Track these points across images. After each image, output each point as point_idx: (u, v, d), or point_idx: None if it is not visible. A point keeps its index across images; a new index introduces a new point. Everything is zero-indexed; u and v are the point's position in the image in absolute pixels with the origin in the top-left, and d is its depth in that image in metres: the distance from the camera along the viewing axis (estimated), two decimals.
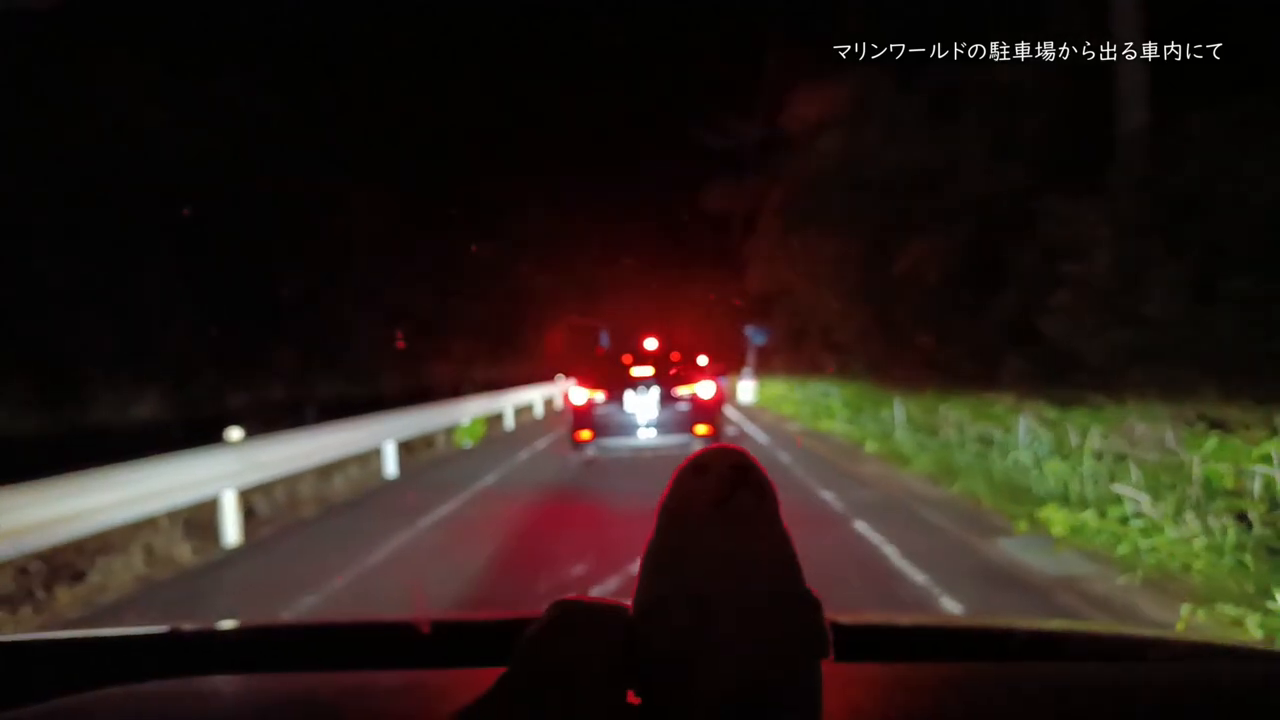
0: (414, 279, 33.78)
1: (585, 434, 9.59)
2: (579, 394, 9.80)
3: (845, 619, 0.98)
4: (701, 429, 9.50)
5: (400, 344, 33.88)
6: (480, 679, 0.64)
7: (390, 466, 10.77)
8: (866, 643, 0.99)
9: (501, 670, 0.60)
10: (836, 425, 13.18)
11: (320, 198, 27.25)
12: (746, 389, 23.58)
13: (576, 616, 0.59)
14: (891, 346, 11.99)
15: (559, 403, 26.10)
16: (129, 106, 17.29)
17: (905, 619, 1.26)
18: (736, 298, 37.78)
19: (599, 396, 9.64)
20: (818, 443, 12.10)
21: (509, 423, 18.27)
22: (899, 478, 8.58)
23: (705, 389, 9.71)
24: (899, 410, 10.12)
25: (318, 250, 26.91)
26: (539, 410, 22.25)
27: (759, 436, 13.54)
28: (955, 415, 8.81)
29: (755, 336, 34.89)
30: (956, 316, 10.27)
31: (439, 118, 35.72)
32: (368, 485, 9.86)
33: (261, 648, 1.24)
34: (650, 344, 11.90)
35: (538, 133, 40.32)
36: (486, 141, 40.42)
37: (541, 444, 13.57)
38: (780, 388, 20.62)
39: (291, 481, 9.05)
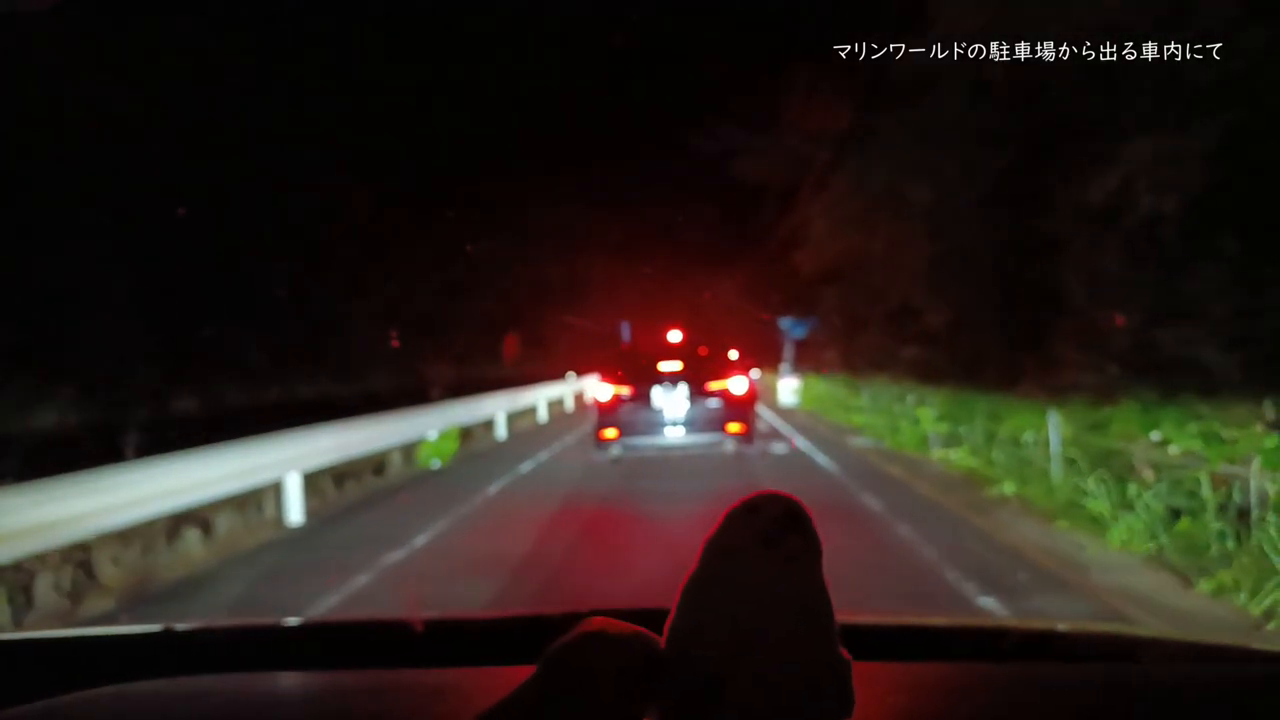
0: (413, 272, 30.64)
1: (610, 432, 9.12)
2: (603, 390, 9.33)
3: (840, 617, 0.76)
4: (734, 427, 9.04)
5: (395, 343, 30.72)
6: (474, 678, 0.72)
7: (294, 510, 7.43)
8: (860, 642, 0.82)
9: (497, 669, 0.67)
10: (936, 448, 9.63)
11: (304, 178, 24.11)
12: (788, 389, 19.98)
13: (606, 635, 0.59)
14: (1025, 331, 8.38)
15: (569, 404, 22.78)
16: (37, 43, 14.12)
17: (900, 619, 1.22)
18: (770, 286, 34.25)
19: (625, 393, 9.14)
20: (913, 474, 8.55)
21: (500, 432, 14.91)
22: (1099, 561, 5.02)
23: (738, 385, 9.21)
24: (1054, 431, 6.57)
25: (300, 236, 23.79)
26: (543, 414, 18.89)
27: (818, 457, 10.02)
28: (1178, 444, 5.25)
29: (794, 329, 31.13)
30: (1191, 275, 6.61)
31: (442, 104, 32.50)
32: (239, 548, 6.51)
33: (255, 647, 1.22)
34: (674, 336, 11.03)
35: (546, 121, 36.90)
36: (493, 132, 37.16)
37: (527, 467, 10.17)
38: (831, 388, 17.02)
39: (131, 540, 5.81)
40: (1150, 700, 0.89)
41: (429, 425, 11.10)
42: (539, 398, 18.89)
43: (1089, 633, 1.29)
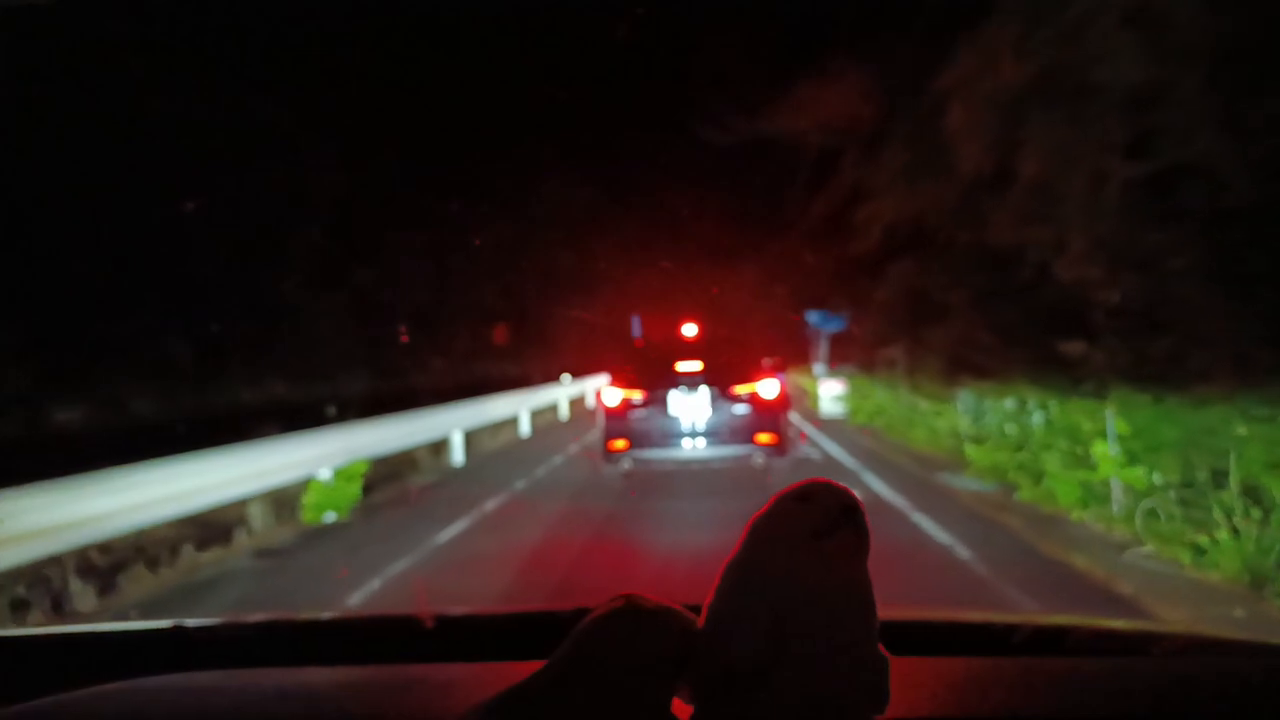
0: (398, 259, 27.07)
1: (620, 443, 7.99)
2: (612, 394, 8.18)
3: None
4: (764, 437, 7.85)
5: (404, 337, 27.54)
6: (483, 674, 0.70)
7: None
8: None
9: (507, 665, 0.64)
10: (1119, 506, 5.78)
11: (261, 143, 20.52)
12: (829, 395, 16.13)
13: (641, 612, 0.58)
14: None
15: (564, 411, 19.07)
16: None
17: (909, 613, 1.19)
18: (796, 275, 30.56)
19: (636, 397, 8.06)
20: (1125, 577, 4.70)
21: (457, 456, 11.19)
22: None
23: (768, 387, 8.01)
24: None
25: (250, 208, 20.16)
26: (525, 427, 15.17)
27: (918, 518, 6.19)
28: None
29: (825, 323, 27.23)
30: None
31: (435, 78, 28.83)
32: None
33: (266, 643, 1.22)
34: (690, 330, 9.81)
35: (546, 95, 33.16)
36: (489, 107, 33.55)
37: (457, 528, 6.45)
38: (891, 395, 13.13)
39: None
40: (1162, 694, 0.89)
41: (322, 457, 7.39)
42: (521, 405, 15.17)
43: (1096, 628, 1.22)
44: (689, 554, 5.32)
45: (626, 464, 8.11)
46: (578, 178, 33.05)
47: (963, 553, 5.15)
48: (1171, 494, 5.48)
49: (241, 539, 6.52)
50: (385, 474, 9.66)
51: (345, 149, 24.17)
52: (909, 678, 0.85)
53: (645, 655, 0.55)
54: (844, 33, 15.03)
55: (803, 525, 0.58)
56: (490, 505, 7.48)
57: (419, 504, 8.07)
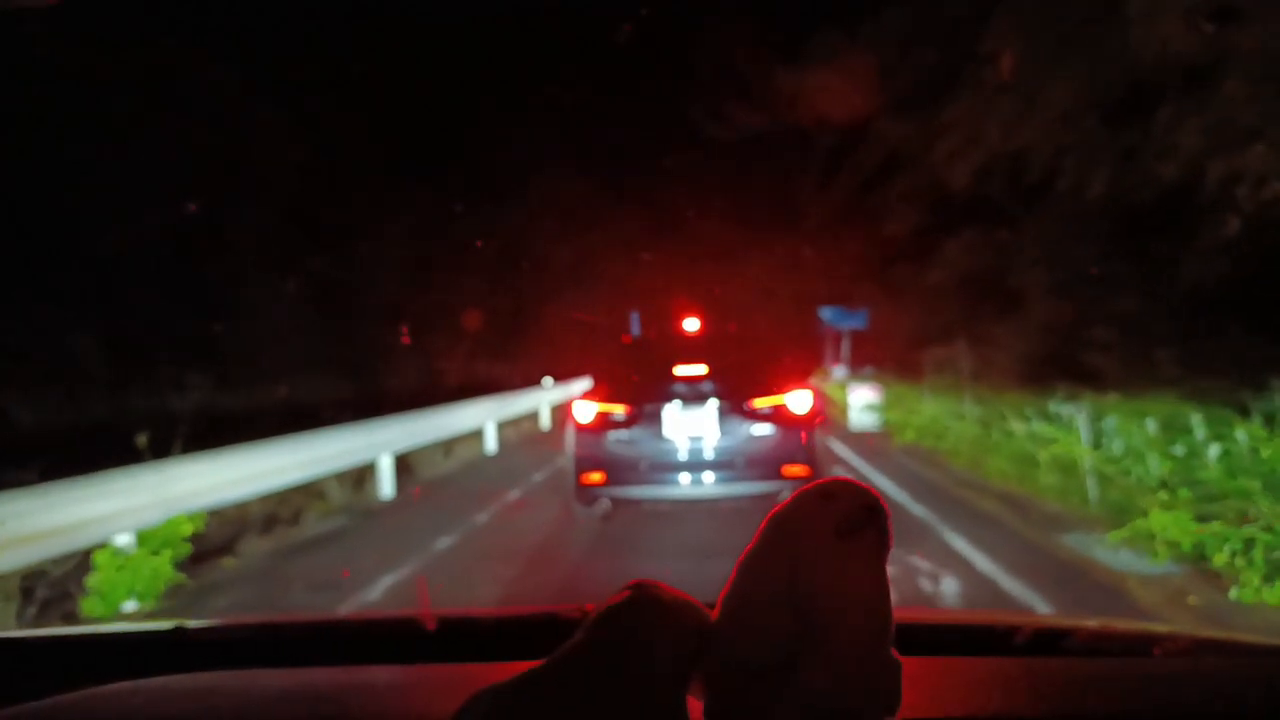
0: (374, 246, 24.43)
1: (595, 476, 6.09)
2: (585, 410, 6.24)
3: None
4: (795, 469, 5.86)
5: (405, 339, 25.28)
6: (485, 674, 0.65)
7: None
8: None
9: (509, 665, 0.61)
10: None
11: (200, 103, 17.82)
12: (860, 404, 13.42)
13: (657, 603, 0.58)
14: None
15: (544, 420, 16.44)
16: None
17: (911, 614, 1.14)
18: (811, 268, 28.12)
19: (619, 413, 6.13)
20: None
21: (385, 488, 8.51)
22: None
23: (798, 400, 6.05)
24: None
25: (177, 177, 17.38)
26: (491, 442, 12.50)
27: None
28: None
29: (842, 320, 24.48)
30: None
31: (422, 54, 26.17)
32: None
33: (268, 644, 1.22)
34: (692, 325, 7.90)
35: (537, 67, 30.43)
36: (470, 79, 30.97)
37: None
38: (948, 408, 10.40)
39: None
40: (1164, 695, 0.88)
41: (113, 514, 4.72)
42: (487, 416, 12.49)
43: (1100, 629, 1.23)
44: None
45: (604, 504, 6.19)
46: (575, 167, 30.42)
47: None
48: None
49: None
50: (274, 515, 7.03)
51: (311, 123, 21.54)
52: (911, 678, 0.76)
53: (660, 646, 0.54)
54: None
55: (825, 523, 0.57)
56: (383, 587, 4.81)
57: (280, 577, 5.37)
